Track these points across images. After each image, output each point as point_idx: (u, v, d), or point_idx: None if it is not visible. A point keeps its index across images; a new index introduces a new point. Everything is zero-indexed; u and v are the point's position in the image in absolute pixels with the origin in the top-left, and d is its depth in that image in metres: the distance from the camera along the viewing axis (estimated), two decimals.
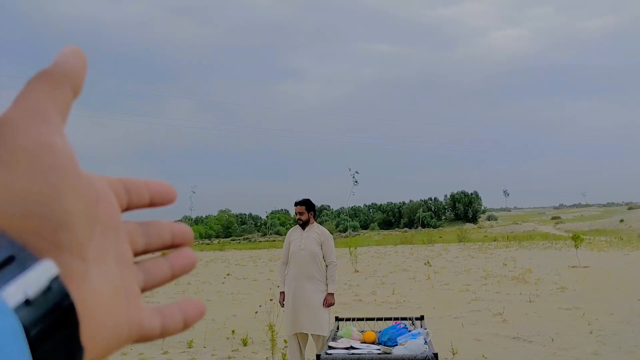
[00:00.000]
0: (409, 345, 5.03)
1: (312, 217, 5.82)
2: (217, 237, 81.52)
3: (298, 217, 5.76)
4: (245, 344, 7.65)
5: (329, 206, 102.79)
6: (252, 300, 12.04)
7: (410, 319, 6.68)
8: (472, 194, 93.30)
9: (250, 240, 66.26)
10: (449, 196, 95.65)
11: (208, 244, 62.76)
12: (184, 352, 7.40)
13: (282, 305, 5.79)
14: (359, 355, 5.10)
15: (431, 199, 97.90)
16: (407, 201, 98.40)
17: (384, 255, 24.18)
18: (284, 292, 5.75)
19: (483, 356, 6.33)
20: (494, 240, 32.18)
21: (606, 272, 14.43)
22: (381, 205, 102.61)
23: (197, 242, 64.24)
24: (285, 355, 6.58)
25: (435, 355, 4.80)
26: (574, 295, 10.79)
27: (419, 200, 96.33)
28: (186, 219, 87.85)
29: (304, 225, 5.78)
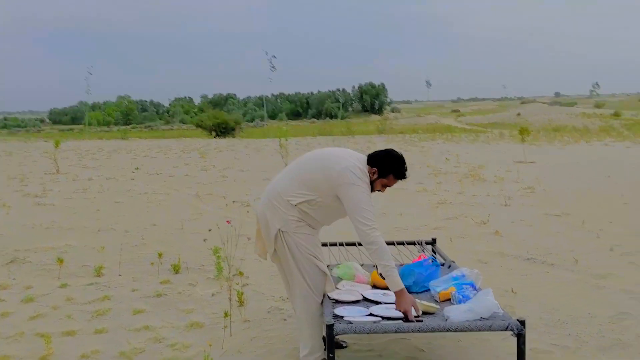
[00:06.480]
0: (474, 304, 3.26)
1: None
2: (116, 124, 75.89)
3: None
4: (177, 271, 5.65)
5: (234, 95, 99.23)
6: (173, 203, 9.89)
7: (419, 243, 4.94)
8: (379, 85, 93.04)
9: (152, 129, 61.88)
10: (357, 87, 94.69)
11: (107, 131, 57.90)
12: (91, 284, 5.29)
13: None
14: (397, 325, 3.21)
15: (339, 90, 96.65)
16: (315, 92, 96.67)
17: (309, 147, 22.41)
18: None
19: (512, 291, 4.75)
20: (415, 132, 31.40)
21: (557, 168, 13.52)
22: (289, 95, 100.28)
23: (95, 130, 59.18)
24: (241, 293, 4.67)
25: (523, 323, 3.09)
26: (548, 196, 9.61)
27: (327, 91, 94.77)
28: (82, 104, 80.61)
29: None
